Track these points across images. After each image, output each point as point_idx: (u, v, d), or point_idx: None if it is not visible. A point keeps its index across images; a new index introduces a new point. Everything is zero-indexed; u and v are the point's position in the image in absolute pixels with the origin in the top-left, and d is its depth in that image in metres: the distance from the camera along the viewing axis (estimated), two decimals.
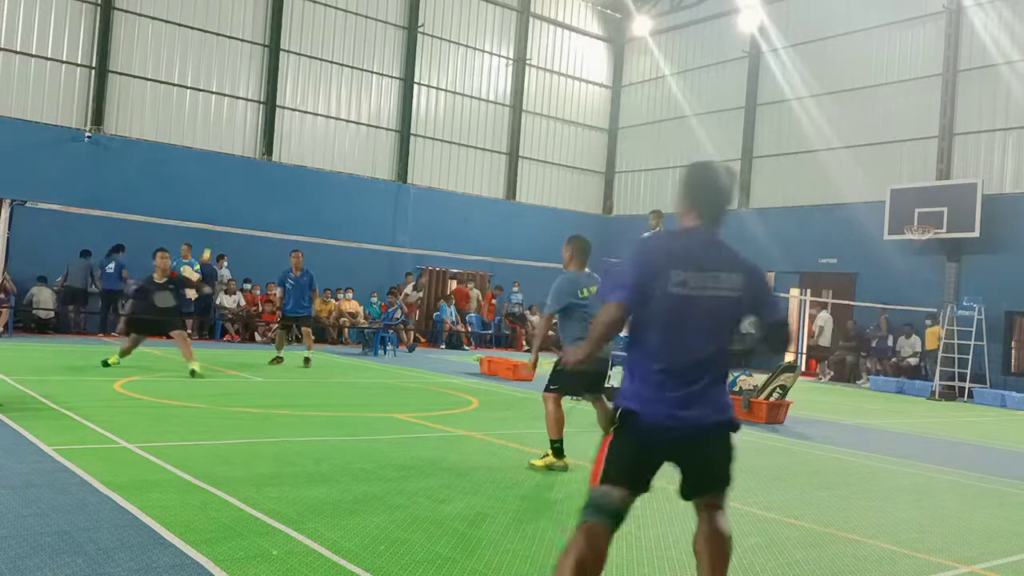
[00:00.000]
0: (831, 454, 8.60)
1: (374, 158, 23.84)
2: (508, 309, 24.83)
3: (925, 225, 19.58)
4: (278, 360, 14.17)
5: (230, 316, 19.53)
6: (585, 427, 9.41)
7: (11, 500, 4.51)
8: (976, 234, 18.95)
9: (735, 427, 3.37)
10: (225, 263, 19.83)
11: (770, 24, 24.43)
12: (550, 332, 7.39)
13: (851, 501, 6.22)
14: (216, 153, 21.03)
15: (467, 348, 22.71)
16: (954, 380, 18.05)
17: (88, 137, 19.20)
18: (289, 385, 11.67)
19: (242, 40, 21.61)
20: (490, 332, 24.35)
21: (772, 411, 10.82)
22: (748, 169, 24.91)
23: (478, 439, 7.83)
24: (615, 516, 3.26)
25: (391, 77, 24.11)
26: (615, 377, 12.78)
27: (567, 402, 6.87)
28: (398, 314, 19.41)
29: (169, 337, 11.97)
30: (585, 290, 6.84)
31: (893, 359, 20.05)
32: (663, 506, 5.60)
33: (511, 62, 26.61)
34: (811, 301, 22.18)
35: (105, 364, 11.41)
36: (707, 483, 3.42)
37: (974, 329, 18.12)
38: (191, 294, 14.83)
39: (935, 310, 18.97)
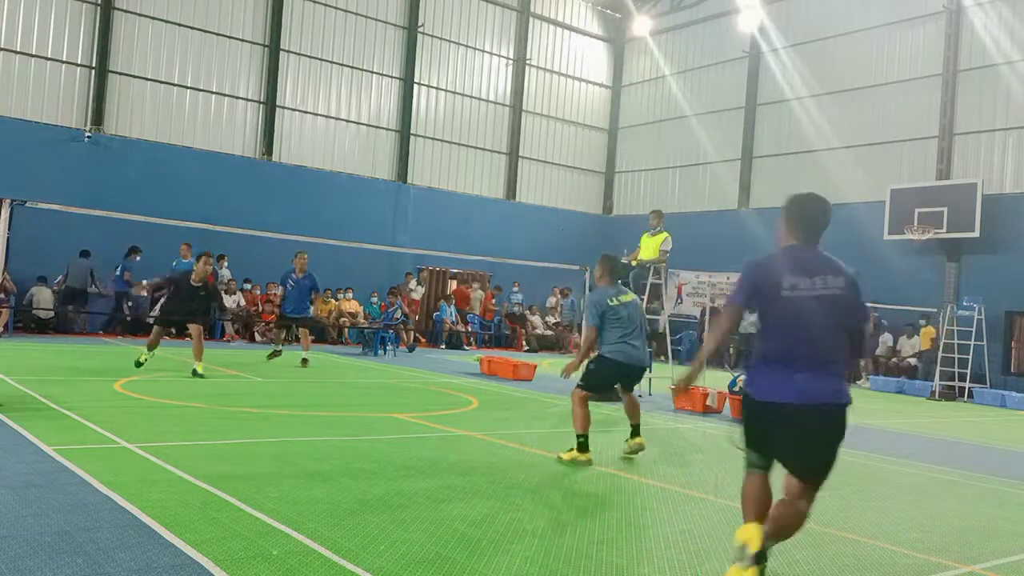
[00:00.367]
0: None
1: (374, 158, 23.84)
2: (508, 309, 24.83)
3: (925, 225, 19.58)
4: (276, 354, 14.20)
5: (230, 316, 19.54)
6: (593, 427, 9.41)
7: (11, 500, 4.51)
8: (976, 234, 18.95)
9: (846, 404, 4.00)
10: (225, 263, 19.84)
11: (770, 24, 24.43)
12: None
13: (851, 501, 6.22)
14: (216, 153, 21.03)
15: (467, 348, 22.71)
16: (954, 380, 18.05)
17: (88, 137, 19.21)
18: (289, 385, 11.68)
19: (242, 40, 21.61)
20: (490, 332, 24.34)
21: None
22: (748, 169, 24.91)
23: (478, 439, 7.83)
24: (764, 467, 4.01)
25: (391, 77, 24.11)
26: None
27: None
28: (398, 314, 19.41)
29: (184, 332, 11.90)
30: (614, 299, 7.24)
31: (893, 359, 20.05)
32: (663, 506, 5.60)
33: (511, 62, 26.61)
34: None
35: (138, 364, 11.33)
36: (806, 466, 3.97)
37: (974, 329, 18.12)
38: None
39: (934, 310, 18.98)
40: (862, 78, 22.31)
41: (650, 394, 13.22)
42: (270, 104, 21.91)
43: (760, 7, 24.51)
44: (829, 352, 3.94)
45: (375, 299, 20.75)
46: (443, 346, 22.74)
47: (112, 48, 19.78)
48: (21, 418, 6.95)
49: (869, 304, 4.43)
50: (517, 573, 3.92)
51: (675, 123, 26.98)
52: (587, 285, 13.32)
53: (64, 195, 16.37)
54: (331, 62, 23.02)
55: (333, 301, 21.24)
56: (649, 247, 12.40)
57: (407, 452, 6.82)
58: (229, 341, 19.22)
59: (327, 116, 22.99)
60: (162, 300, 12.90)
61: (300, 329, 15.00)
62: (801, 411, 3.84)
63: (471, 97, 25.78)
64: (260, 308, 19.83)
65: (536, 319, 24.98)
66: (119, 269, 17.80)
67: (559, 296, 25.51)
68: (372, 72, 23.74)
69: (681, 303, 25.19)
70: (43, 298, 17.20)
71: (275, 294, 19.87)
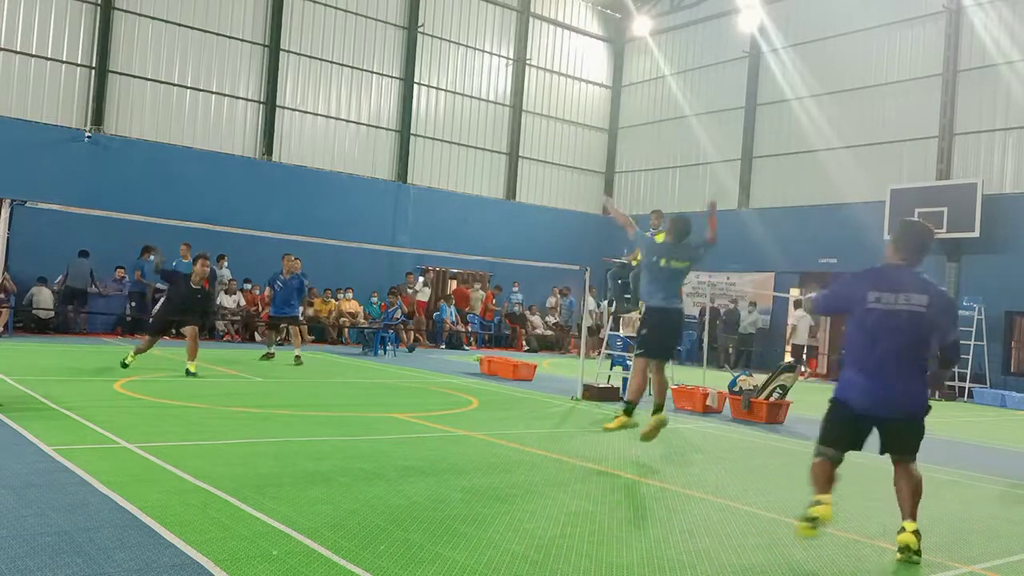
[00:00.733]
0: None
1: (374, 158, 23.84)
2: (508, 309, 24.83)
3: None
4: (269, 356, 14.54)
5: (230, 316, 19.53)
6: (586, 426, 9.41)
7: (11, 500, 4.51)
8: (976, 234, 18.95)
9: (924, 411, 4.66)
10: (225, 263, 19.84)
11: (770, 24, 24.43)
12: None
13: (851, 501, 6.22)
14: (216, 153, 21.04)
15: (467, 348, 22.71)
16: (954, 380, 18.05)
17: (88, 137, 19.21)
18: (289, 385, 11.68)
19: (242, 40, 21.61)
20: (490, 332, 24.33)
21: (772, 411, 10.81)
22: (748, 169, 24.91)
23: (478, 439, 7.83)
24: (834, 459, 4.73)
25: (391, 77, 24.11)
26: (615, 378, 12.79)
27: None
28: (398, 314, 19.41)
29: (180, 335, 12.04)
30: (664, 259, 7.74)
31: None
32: (663, 506, 5.60)
33: (511, 62, 26.61)
34: (784, 299, 22.27)
35: (124, 365, 11.40)
36: (899, 448, 4.73)
37: (974, 329, 18.12)
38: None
39: None
40: (862, 78, 22.32)
41: (650, 394, 13.21)
42: (270, 104, 21.91)
43: (760, 7, 24.51)
44: (906, 361, 4.58)
45: (375, 299, 20.75)
46: (443, 346, 22.74)
47: (112, 48, 19.78)
48: (21, 418, 6.95)
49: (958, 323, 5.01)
50: (517, 573, 3.92)
51: (675, 123, 26.98)
52: (587, 285, 13.30)
53: (64, 195, 16.38)
54: (331, 62, 23.02)
55: (333, 301, 21.24)
56: None
57: (407, 452, 6.82)
58: (229, 341, 19.23)
59: (327, 116, 22.99)
60: (160, 302, 12.96)
61: (290, 328, 15.25)
62: (880, 418, 4.65)
63: (471, 97, 25.78)
64: (260, 308, 19.82)
65: (536, 319, 24.98)
66: (133, 269, 17.87)
67: (559, 296, 25.51)
68: (372, 72, 23.74)
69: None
70: (43, 298, 17.21)
71: (263, 296, 19.97)
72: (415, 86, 24.41)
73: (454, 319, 23.29)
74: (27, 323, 17.33)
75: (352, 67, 23.39)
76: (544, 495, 5.62)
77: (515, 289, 25.10)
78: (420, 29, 24.45)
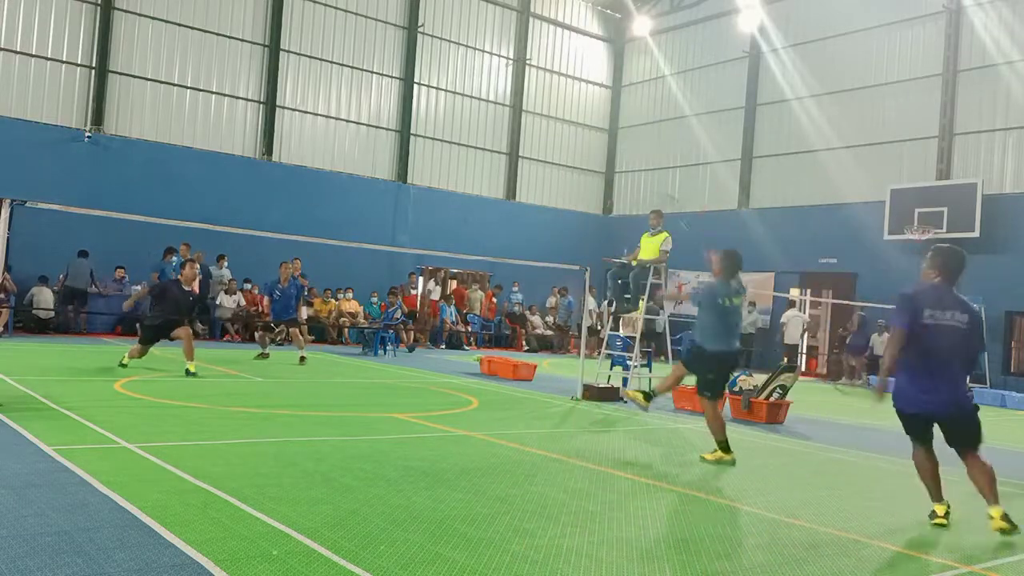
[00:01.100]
0: (831, 454, 8.60)
1: (374, 158, 23.84)
2: (508, 309, 24.82)
3: (925, 225, 19.57)
4: (264, 355, 14.63)
5: (230, 316, 19.53)
6: (586, 426, 9.41)
7: (11, 500, 4.51)
8: (976, 234, 18.94)
9: (973, 409, 5.50)
10: (225, 263, 19.84)
11: (770, 24, 24.43)
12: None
13: (851, 501, 6.22)
14: (216, 153, 21.04)
15: (467, 348, 22.71)
16: None
17: (88, 137, 19.21)
18: (289, 385, 11.68)
19: (242, 40, 21.61)
20: (490, 332, 24.33)
21: (772, 411, 10.81)
22: (748, 169, 24.91)
23: (478, 439, 7.83)
24: (924, 445, 5.65)
25: (391, 77, 24.11)
26: (615, 378, 12.79)
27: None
28: (398, 314, 19.41)
29: (172, 338, 12.02)
30: (725, 299, 7.76)
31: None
32: (663, 506, 5.60)
33: (511, 62, 26.61)
34: (784, 299, 22.27)
35: (122, 365, 11.52)
36: (959, 442, 5.53)
37: None
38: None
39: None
40: (862, 78, 22.31)
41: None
42: (270, 104, 21.91)
43: (760, 7, 24.51)
44: (952, 368, 5.45)
45: (375, 299, 20.75)
46: (443, 346, 22.74)
47: (112, 48, 19.78)
48: (21, 418, 6.94)
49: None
50: (517, 573, 3.92)
51: (675, 123, 26.98)
52: (587, 285, 13.30)
53: (64, 195, 16.37)
54: (331, 62, 23.02)
55: (333, 301, 21.24)
56: (649, 247, 12.38)
57: (407, 452, 6.82)
58: (229, 341, 19.22)
59: (327, 116, 23.00)
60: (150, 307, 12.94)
61: (290, 330, 15.32)
62: (935, 416, 5.46)
63: (471, 97, 25.78)
64: (260, 308, 19.80)
65: (536, 319, 24.98)
66: (151, 272, 17.81)
67: (558, 296, 25.51)
68: (372, 72, 23.74)
69: (681, 303, 25.16)
70: (44, 299, 17.20)
71: (264, 303, 19.98)
72: (415, 86, 24.41)
73: (454, 319, 23.29)
74: (27, 323, 17.32)
75: (352, 67, 23.39)
76: (544, 495, 5.62)
77: (515, 289, 25.10)
78: (420, 29, 24.45)
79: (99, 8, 19.59)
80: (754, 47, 24.81)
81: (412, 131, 24.41)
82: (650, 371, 13.47)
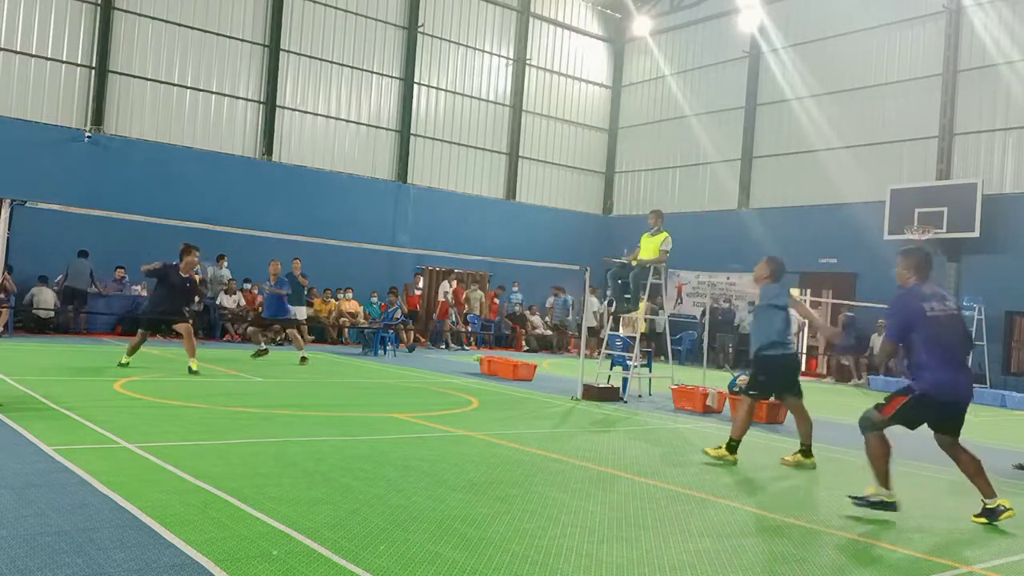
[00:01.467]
0: (831, 454, 8.60)
1: (374, 158, 23.84)
2: (508, 309, 24.81)
3: (925, 225, 19.57)
4: (262, 353, 14.40)
5: (230, 316, 19.53)
6: (586, 426, 9.41)
7: (11, 500, 4.51)
8: (976, 234, 18.94)
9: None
10: (225, 263, 19.84)
11: (770, 24, 24.43)
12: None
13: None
14: (216, 153, 21.04)
15: (466, 348, 22.70)
16: None
17: (88, 137, 19.21)
18: (289, 385, 11.68)
19: (242, 40, 21.61)
20: (490, 332, 24.32)
21: (772, 411, 10.81)
22: (748, 169, 24.91)
23: (478, 439, 7.83)
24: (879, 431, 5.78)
25: (391, 77, 24.11)
26: (614, 378, 12.79)
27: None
28: (398, 314, 19.41)
29: (173, 334, 12.07)
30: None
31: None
32: (663, 506, 5.60)
33: (511, 62, 26.61)
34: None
35: (121, 365, 11.55)
36: (954, 430, 5.73)
37: (974, 329, 18.10)
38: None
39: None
40: (862, 78, 22.31)
41: (650, 394, 13.23)
42: (270, 104, 21.91)
43: (760, 7, 24.51)
44: (965, 354, 5.77)
45: (375, 299, 20.75)
46: (443, 346, 22.74)
47: (112, 48, 19.78)
48: (21, 418, 6.95)
49: None
50: (517, 573, 3.92)
51: (675, 123, 26.98)
52: (587, 285, 13.30)
53: (64, 195, 16.38)
54: (331, 62, 23.02)
55: (333, 301, 21.25)
56: (649, 247, 12.39)
57: (407, 452, 6.82)
58: (229, 341, 19.22)
59: (327, 116, 22.99)
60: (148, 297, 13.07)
61: (288, 331, 15.39)
62: (960, 404, 5.70)
63: (471, 97, 25.78)
64: (260, 308, 19.80)
65: (536, 319, 24.97)
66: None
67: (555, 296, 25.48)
68: (372, 72, 23.74)
69: (681, 303, 25.20)
70: (44, 298, 17.20)
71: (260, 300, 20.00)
72: (415, 86, 24.41)
73: (454, 319, 23.29)
74: (27, 323, 17.32)
75: (352, 67, 23.39)
76: (544, 495, 5.62)
77: (515, 289, 25.09)
78: (420, 29, 24.45)
79: (99, 8, 19.59)
80: (754, 47, 24.81)
81: (412, 131, 24.40)
82: (650, 371, 13.49)
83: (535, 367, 15.17)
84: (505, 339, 24.52)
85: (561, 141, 28.01)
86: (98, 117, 19.43)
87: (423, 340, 22.30)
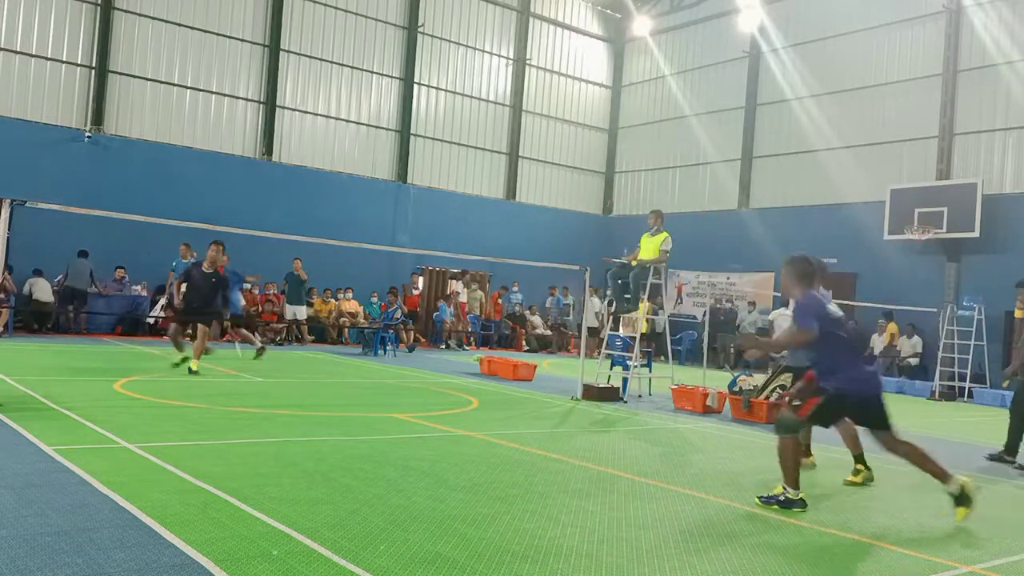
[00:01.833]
0: (831, 454, 8.59)
1: (374, 158, 23.84)
2: (508, 309, 24.81)
3: (925, 225, 19.57)
4: (261, 351, 13.87)
5: (229, 316, 19.52)
6: (586, 426, 9.41)
7: (11, 500, 4.51)
8: (976, 234, 18.94)
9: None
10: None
11: (770, 24, 24.43)
12: None
13: (851, 501, 6.22)
14: (216, 153, 21.04)
15: (466, 348, 22.70)
16: (954, 380, 18.03)
17: (88, 137, 19.21)
18: (289, 385, 11.68)
19: (242, 40, 21.61)
20: (489, 332, 24.32)
21: (772, 411, 10.80)
22: (748, 169, 24.90)
23: (478, 439, 7.83)
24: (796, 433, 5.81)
25: (391, 77, 24.11)
26: (614, 378, 12.80)
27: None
28: (398, 314, 19.41)
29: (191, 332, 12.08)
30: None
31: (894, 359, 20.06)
32: (663, 506, 5.60)
33: (511, 62, 26.61)
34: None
35: (185, 367, 11.54)
36: (879, 422, 5.91)
37: (974, 329, 18.11)
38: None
39: (933, 310, 18.97)
40: (862, 78, 22.31)
41: (650, 394, 13.23)
42: (270, 104, 21.91)
43: (760, 7, 24.51)
44: (861, 352, 6.27)
45: (375, 299, 20.75)
46: (443, 346, 22.75)
47: (112, 48, 19.78)
48: (21, 418, 6.95)
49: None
50: (517, 573, 3.92)
51: (675, 123, 26.97)
52: (587, 285, 13.30)
53: (64, 195, 16.38)
54: (331, 62, 23.02)
55: (333, 301, 21.25)
56: (649, 247, 12.40)
57: (407, 452, 6.82)
58: (229, 341, 19.21)
59: (327, 116, 22.99)
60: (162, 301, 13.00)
61: (235, 330, 15.25)
62: (880, 394, 5.92)
63: (471, 97, 25.77)
64: (260, 308, 19.82)
65: (536, 319, 24.97)
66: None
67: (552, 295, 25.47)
68: (372, 72, 23.73)
69: (681, 303, 25.19)
70: (40, 287, 17.11)
71: (274, 294, 19.97)
72: (415, 86, 24.41)
73: (454, 319, 23.28)
74: (27, 323, 17.31)
75: (352, 67, 23.38)
76: (544, 495, 5.62)
77: (515, 289, 25.09)
78: (420, 29, 24.44)
79: (99, 8, 19.59)
80: (754, 47, 24.81)
81: (412, 131, 24.40)
82: (650, 371, 13.49)
83: (535, 367, 15.17)
84: (505, 339, 24.52)
85: (561, 141, 28.01)
86: (98, 117, 19.43)
87: (423, 340, 22.31)
